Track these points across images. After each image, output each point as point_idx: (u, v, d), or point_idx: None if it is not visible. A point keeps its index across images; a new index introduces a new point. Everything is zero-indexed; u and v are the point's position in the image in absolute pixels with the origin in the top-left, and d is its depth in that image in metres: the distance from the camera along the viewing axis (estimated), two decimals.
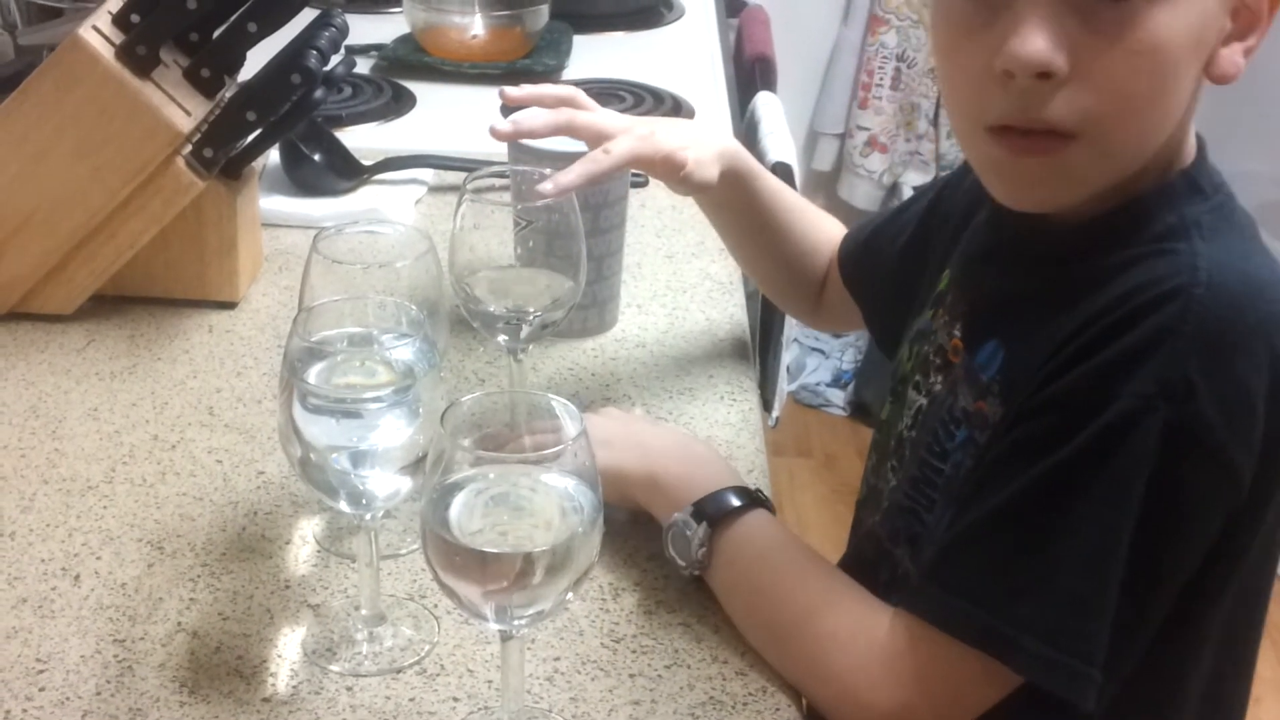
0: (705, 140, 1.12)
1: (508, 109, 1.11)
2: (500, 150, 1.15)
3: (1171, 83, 0.82)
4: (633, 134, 1.05)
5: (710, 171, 1.10)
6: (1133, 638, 0.82)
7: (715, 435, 1.12)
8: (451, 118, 1.74)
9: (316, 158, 1.47)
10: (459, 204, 1.00)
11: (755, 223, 1.20)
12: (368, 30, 1.92)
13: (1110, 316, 0.82)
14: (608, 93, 1.79)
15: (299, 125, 1.34)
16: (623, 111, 1.16)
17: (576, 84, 1.23)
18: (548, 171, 1.00)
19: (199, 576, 0.94)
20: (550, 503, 0.75)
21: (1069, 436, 0.81)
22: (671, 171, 1.07)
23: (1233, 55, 0.85)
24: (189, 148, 1.19)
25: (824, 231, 1.25)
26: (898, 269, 1.14)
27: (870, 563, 1.02)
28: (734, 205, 1.18)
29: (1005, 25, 0.81)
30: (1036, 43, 0.80)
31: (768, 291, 1.35)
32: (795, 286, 1.27)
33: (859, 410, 3.13)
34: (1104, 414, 0.80)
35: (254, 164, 1.29)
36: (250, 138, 1.24)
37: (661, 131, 1.07)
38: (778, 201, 1.20)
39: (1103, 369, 0.81)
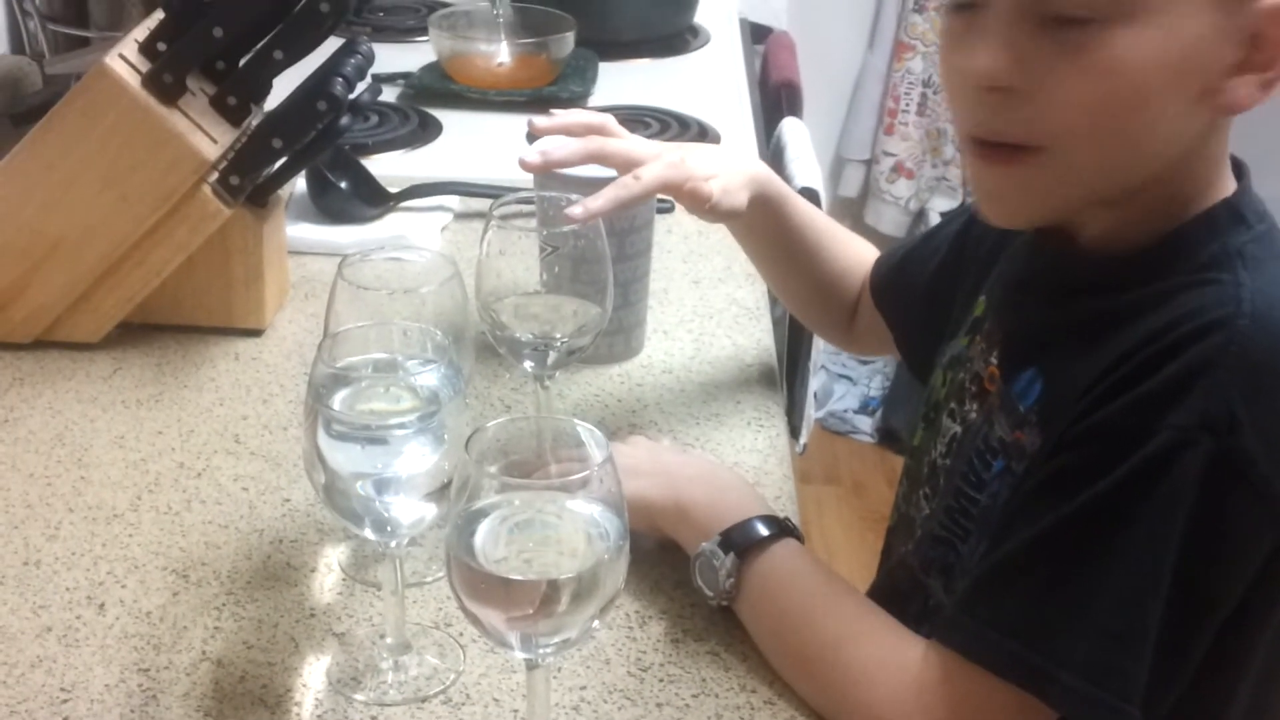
0: (735, 166, 1.11)
1: (535, 138, 1.10)
2: (526, 176, 1.15)
3: (1137, 108, 0.81)
4: (663, 160, 1.04)
5: (739, 198, 1.09)
6: (1172, 673, 0.81)
7: (742, 462, 1.11)
8: (477, 145, 1.74)
9: (343, 185, 1.47)
10: (485, 230, 1.00)
11: (786, 247, 1.19)
12: (395, 59, 1.92)
13: (1152, 347, 0.81)
14: (633, 119, 1.79)
15: (325, 153, 1.34)
16: (649, 138, 1.15)
17: (602, 111, 1.22)
18: (574, 197, 0.99)
19: (224, 605, 0.94)
20: (576, 529, 0.74)
21: (1109, 469, 0.79)
22: (699, 202, 1.06)
23: (1245, 87, 0.82)
24: (215, 175, 1.19)
25: (856, 255, 1.24)
26: (930, 292, 1.13)
27: (902, 592, 1.01)
28: (765, 230, 1.18)
29: (975, 37, 0.83)
30: (982, 58, 0.82)
31: (800, 315, 1.34)
32: (828, 310, 1.26)
33: (887, 437, 3.12)
34: (1145, 446, 0.78)
35: (280, 191, 1.29)
36: (276, 165, 1.24)
37: (691, 158, 1.07)
38: (809, 225, 1.19)
39: (1144, 401, 0.79)
